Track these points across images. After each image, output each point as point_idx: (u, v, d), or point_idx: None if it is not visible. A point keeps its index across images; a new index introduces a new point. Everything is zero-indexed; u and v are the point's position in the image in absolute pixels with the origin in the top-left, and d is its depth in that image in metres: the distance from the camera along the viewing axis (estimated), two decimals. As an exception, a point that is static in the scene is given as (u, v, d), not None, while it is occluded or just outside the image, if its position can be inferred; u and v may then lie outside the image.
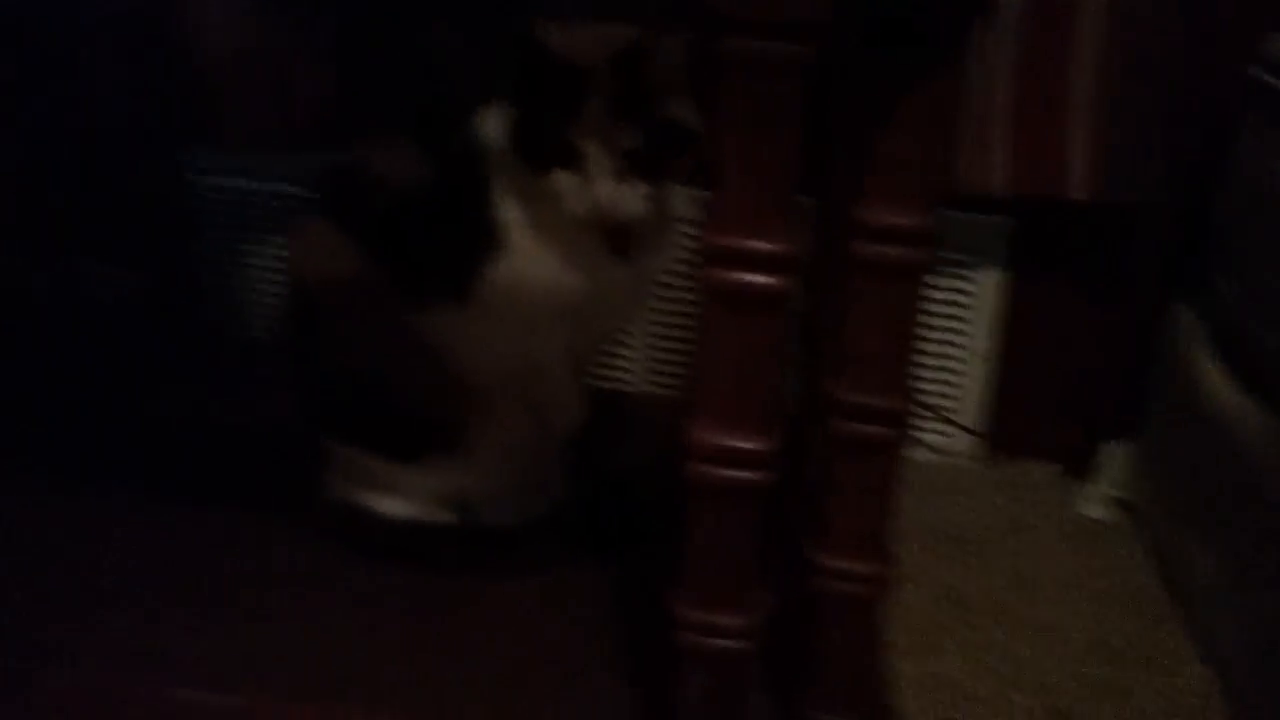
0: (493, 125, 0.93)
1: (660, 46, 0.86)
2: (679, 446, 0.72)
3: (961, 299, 1.41)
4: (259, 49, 1.33)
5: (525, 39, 0.87)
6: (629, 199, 0.86)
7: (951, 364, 1.45)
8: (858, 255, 0.74)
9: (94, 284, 1.52)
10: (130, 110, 1.38)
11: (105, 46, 1.36)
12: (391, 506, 1.04)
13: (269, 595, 0.99)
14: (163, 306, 1.49)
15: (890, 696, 0.96)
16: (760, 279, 0.67)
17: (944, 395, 1.46)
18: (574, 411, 1.04)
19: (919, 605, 1.20)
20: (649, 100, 0.85)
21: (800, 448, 0.86)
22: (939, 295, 1.41)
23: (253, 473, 1.16)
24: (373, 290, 0.97)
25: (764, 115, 0.64)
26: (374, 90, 1.36)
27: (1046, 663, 1.13)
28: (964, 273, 1.40)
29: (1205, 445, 1.19)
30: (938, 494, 1.41)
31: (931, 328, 1.42)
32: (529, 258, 0.91)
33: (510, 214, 0.91)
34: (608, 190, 0.85)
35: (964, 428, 1.46)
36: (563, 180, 0.86)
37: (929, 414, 1.46)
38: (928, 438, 1.48)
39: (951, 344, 1.44)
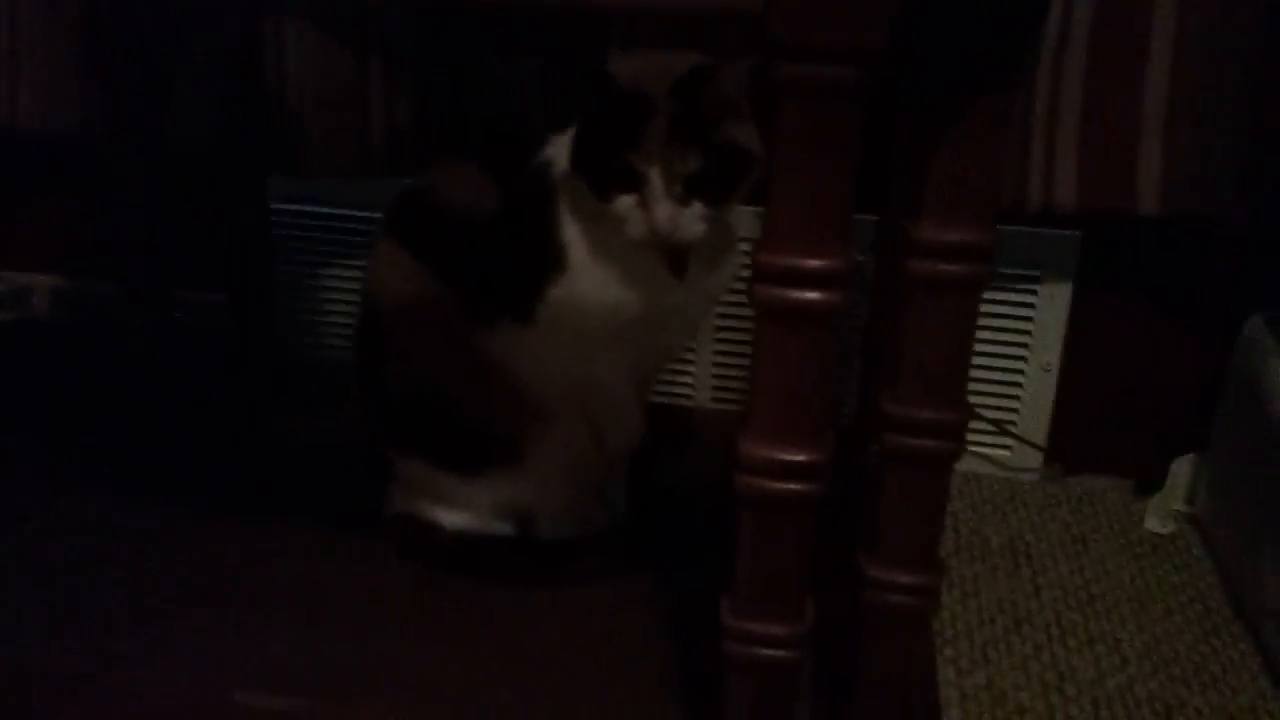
0: (558, 151, 0.95)
1: (723, 71, 0.87)
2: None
3: (1029, 313, 1.40)
4: (341, 80, 1.38)
5: (593, 68, 0.90)
6: (687, 222, 0.87)
7: (1018, 378, 1.44)
8: (915, 271, 0.75)
9: (182, 307, 1.58)
10: (220, 141, 1.44)
11: (199, 80, 1.42)
12: (452, 519, 1.06)
13: (331, 603, 1.02)
14: (242, 327, 1.54)
15: (939, 707, 0.95)
16: (810, 295, 0.67)
17: (1010, 410, 1.45)
18: (633, 428, 1.06)
19: (973, 619, 1.19)
20: (710, 124, 0.87)
21: (855, 460, 0.86)
22: (1006, 309, 1.40)
23: (319, 485, 1.20)
24: (440, 309, 1.00)
25: (818, 136, 0.65)
26: (448, 119, 1.40)
27: (1100, 677, 1.11)
28: (1031, 286, 1.39)
29: (1276, 461, 1.17)
30: (1001, 509, 1.40)
31: (998, 342, 1.41)
32: (590, 278, 0.93)
33: (572, 236, 0.93)
34: (666, 213, 0.86)
35: (1030, 442, 1.45)
36: (623, 204, 0.87)
37: (995, 429, 1.45)
38: (993, 453, 1.47)
39: (1018, 358, 1.43)
